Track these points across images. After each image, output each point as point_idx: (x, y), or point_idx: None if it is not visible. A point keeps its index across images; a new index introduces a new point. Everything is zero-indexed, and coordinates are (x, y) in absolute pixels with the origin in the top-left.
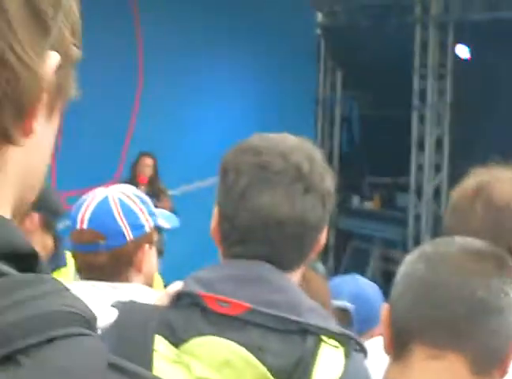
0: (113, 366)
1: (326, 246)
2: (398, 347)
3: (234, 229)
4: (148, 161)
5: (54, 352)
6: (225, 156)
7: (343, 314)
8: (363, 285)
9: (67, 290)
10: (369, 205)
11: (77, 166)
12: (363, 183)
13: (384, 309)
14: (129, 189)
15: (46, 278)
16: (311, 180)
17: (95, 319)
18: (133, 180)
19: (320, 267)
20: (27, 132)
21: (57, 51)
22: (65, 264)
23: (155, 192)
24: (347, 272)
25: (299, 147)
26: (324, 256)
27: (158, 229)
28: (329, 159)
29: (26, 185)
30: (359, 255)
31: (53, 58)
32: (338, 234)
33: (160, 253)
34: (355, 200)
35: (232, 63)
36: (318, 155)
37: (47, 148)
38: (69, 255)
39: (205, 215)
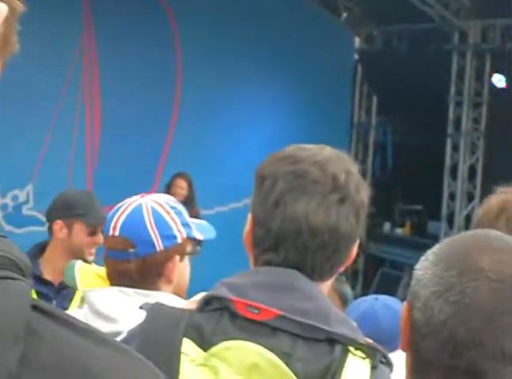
0: (39, 309)
1: (356, 271)
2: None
3: (267, 235)
4: (182, 183)
5: None
6: (262, 164)
7: None
8: (378, 306)
9: (3, 237)
10: (400, 232)
11: (112, 184)
12: (395, 209)
13: (405, 308)
14: (164, 198)
15: None
16: (347, 191)
17: (29, 268)
18: None
19: (348, 291)
20: None
21: (4, 3)
22: None
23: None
24: None
25: (336, 158)
26: (353, 280)
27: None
28: None
29: None
30: (389, 281)
31: (1, 9)
32: (368, 260)
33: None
34: (387, 226)
35: (270, 86)
36: (355, 167)
37: None
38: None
39: (237, 236)
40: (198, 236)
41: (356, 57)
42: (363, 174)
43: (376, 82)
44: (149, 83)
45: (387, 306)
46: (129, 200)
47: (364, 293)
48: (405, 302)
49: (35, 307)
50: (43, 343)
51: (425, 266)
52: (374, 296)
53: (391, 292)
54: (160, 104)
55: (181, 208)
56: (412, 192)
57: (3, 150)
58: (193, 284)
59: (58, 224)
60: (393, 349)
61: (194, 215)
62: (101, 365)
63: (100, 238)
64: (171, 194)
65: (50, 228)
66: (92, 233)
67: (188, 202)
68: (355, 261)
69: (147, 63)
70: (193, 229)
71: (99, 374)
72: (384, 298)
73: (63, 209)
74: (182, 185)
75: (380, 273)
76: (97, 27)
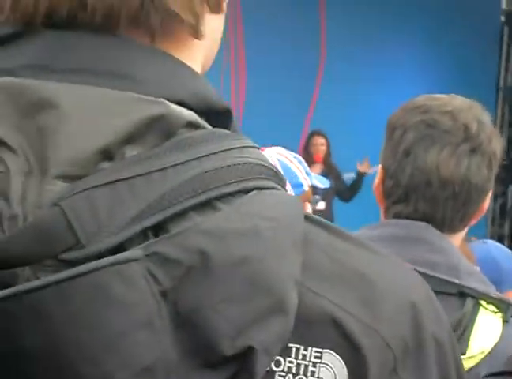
0: (309, 219)
1: (501, 235)
2: None
3: (397, 186)
4: (321, 140)
5: (251, 200)
6: (393, 115)
7: None
8: (492, 248)
9: (258, 148)
10: None
11: (257, 139)
12: None
13: None
14: (283, 149)
15: (239, 135)
16: (479, 141)
17: (284, 177)
18: (307, 159)
19: None
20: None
21: None
22: None
23: (331, 171)
24: None
25: (468, 107)
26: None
27: (330, 211)
28: (508, 147)
29: (210, 54)
30: None
31: None
32: None
33: None
34: None
35: (410, 45)
36: (487, 117)
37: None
38: None
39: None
40: (319, 184)
41: (503, 18)
42: (510, 138)
43: None
44: (293, 42)
45: (499, 248)
46: None
47: None
48: None
49: (306, 217)
50: (321, 252)
51: None
52: (480, 240)
53: None
54: (304, 65)
55: (300, 158)
56: None
57: None
58: None
59: None
60: None
61: (335, 172)
62: (375, 272)
63: None
64: (310, 153)
65: None
66: None
67: (327, 159)
68: (500, 225)
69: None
70: (313, 178)
71: (375, 280)
72: (492, 242)
73: None
74: (321, 141)
75: None
76: None
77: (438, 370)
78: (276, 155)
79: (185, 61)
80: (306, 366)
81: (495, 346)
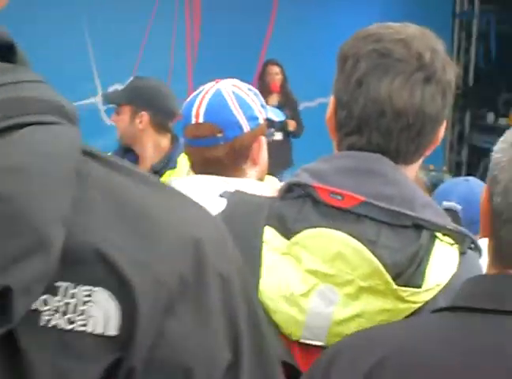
0: (89, 154)
1: (459, 162)
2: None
3: (350, 117)
4: (276, 68)
5: (22, 136)
6: (344, 44)
7: (451, 215)
8: (474, 187)
9: (44, 82)
10: (504, 122)
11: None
12: (499, 100)
13: (484, 193)
14: (238, 82)
15: (24, 69)
16: (432, 70)
17: (74, 113)
18: (263, 89)
19: (448, 179)
20: None
21: None
22: (175, 167)
23: (288, 101)
24: None
25: (421, 36)
26: (456, 172)
27: (287, 140)
28: (465, 74)
29: None
30: None
31: None
32: (471, 151)
33: (289, 164)
34: (490, 117)
35: None
36: (441, 45)
37: None
38: (181, 157)
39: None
40: (274, 117)
41: None
42: (466, 65)
43: None
44: None
45: (482, 186)
46: (204, 88)
47: None
48: (484, 187)
49: (85, 152)
50: (97, 188)
51: (504, 148)
52: (463, 178)
53: None
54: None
55: (256, 90)
56: None
57: (102, 43)
58: None
59: None
60: None
61: (292, 103)
62: (155, 208)
63: None
64: (267, 82)
65: None
66: None
67: (284, 88)
68: (458, 153)
69: None
70: (268, 110)
71: (154, 216)
72: (474, 179)
73: None
74: (276, 70)
75: (483, 164)
76: None
77: (223, 307)
78: (231, 88)
79: None
80: (76, 305)
81: (451, 278)
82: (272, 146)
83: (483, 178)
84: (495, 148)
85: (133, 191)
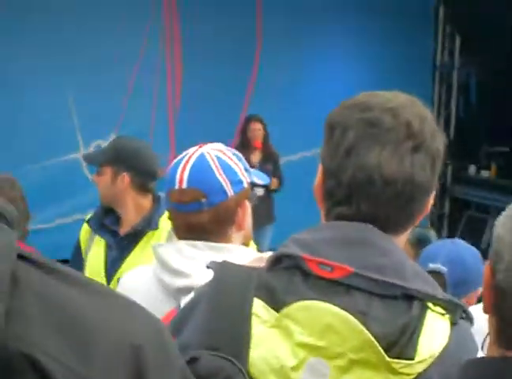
0: (24, 258)
1: (441, 215)
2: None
3: (338, 186)
4: (258, 124)
5: None
6: (331, 113)
7: (437, 277)
8: (460, 249)
9: None
10: (486, 174)
11: (196, 129)
12: (480, 152)
13: (487, 269)
14: (221, 146)
15: None
16: (421, 139)
17: (14, 216)
18: (245, 145)
19: (432, 234)
20: None
21: None
22: (156, 228)
23: (270, 157)
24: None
25: (409, 104)
26: (439, 224)
27: (268, 195)
28: (446, 126)
29: None
30: (475, 224)
31: None
32: (453, 203)
33: (272, 219)
34: (472, 169)
35: (345, 27)
36: (429, 114)
37: None
38: (162, 218)
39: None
40: (258, 181)
41: None
42: (447, 116)
43: (460, 22)
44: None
45: (468, 248)
46: (188, 152)
47: (450, 236)
48: (487, 262)
49: (20, 256)
50: (33, 295)
51: (505, 223)
52: (449, 240)
53: (477, 235)
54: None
55: (239, 153)
56: (498, 134)
57: (86, 100)
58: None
59: None
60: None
61: (274, 157)
62: (91, 316)
63: None
64: (248, 139)
65: None
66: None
67: (266, 144)
68: (441, 205)
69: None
70: (252, 174)
71: (89, 324)
72: (460, 241)
73: None
74: (258, 126)
75: (466, 216)
76: None
77: None
78: (214, 152)
79: None
80: None
81: (443, 349)
82: (255, 201)
83: (464, 230)
84: (497, 222)
85: (72, 299)
